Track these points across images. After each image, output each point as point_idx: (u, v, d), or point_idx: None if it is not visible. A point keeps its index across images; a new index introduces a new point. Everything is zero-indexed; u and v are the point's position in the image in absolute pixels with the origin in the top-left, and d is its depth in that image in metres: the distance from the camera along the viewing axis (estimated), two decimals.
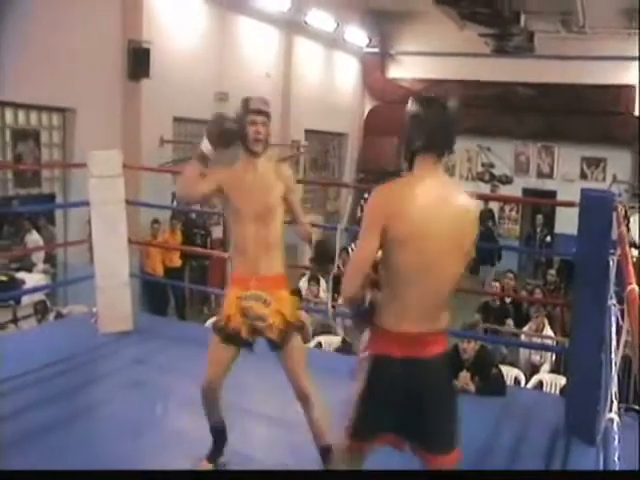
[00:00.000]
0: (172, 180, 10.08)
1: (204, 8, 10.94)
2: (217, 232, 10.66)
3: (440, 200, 2.20)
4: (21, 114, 7.73)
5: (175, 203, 9.13)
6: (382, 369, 2.25)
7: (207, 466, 3.22)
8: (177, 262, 9.37)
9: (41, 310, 6.88)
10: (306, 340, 3.07)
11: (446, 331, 2.32)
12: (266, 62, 12.49)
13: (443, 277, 2.21)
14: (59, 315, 6.71)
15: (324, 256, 2.74)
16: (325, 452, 2.89)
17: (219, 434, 3.23)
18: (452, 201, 2.22)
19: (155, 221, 9.05)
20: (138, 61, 8.95)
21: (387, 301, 2.25)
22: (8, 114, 7.56)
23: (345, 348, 6.05)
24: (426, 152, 2.21)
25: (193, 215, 10.00)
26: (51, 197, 8.00)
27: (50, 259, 8.15)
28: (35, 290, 6.84)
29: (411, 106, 2.25)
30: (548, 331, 6.79)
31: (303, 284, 8.73)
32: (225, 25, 11.44)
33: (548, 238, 13.25)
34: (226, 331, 2.94)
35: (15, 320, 6.77)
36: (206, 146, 2.87)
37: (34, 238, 8.16)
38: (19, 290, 6.68)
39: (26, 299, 6.90)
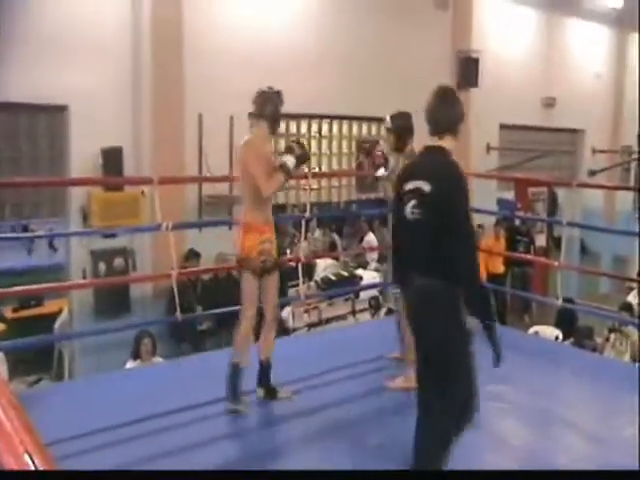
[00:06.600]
0: (496, 186, 10.12)
1: (531, 13, 10.80)
2: (540, 240, 10.40)
3: None
4: (364, 127, 8.47)
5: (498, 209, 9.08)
6: None
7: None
8: (500, 268, 9.37)
9: (375, 305, 7.42)
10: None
11: None
12: (596, 63, 11.85)
13: None
14: (389, 311, 7.16)
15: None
16: (263, 364, 3.82)
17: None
18: None
19: (479, 226, 9.17)
20: (467, 71, 9.20)
21: None
22: (354, 127, 8.37)
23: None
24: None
25: (517, 222, 9.90)
26: (384, 201, 8.55)
27: (382, 259, 8.74)
28: (370, 287, 7.42)
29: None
30: None
31: None
32: (552, 28, 11.15)
33: None
34: (255, 268, 3.67)
35: (354, 312, 7.42)
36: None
37: (369, 239, 8.86)
38: (357, 285, 7.31)
39: (362, 294, 7.51)
